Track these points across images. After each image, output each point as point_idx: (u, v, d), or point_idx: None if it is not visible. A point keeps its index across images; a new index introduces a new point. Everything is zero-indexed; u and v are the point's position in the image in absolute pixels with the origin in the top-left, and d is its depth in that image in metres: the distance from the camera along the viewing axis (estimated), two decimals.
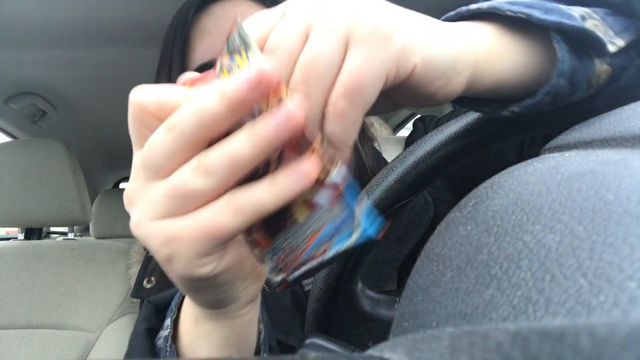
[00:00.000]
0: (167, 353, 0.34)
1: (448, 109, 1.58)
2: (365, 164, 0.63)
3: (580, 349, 0.09)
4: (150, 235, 0.23)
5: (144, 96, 0.23)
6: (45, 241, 1.59)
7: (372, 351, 0.13)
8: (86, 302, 1.12)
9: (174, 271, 0.24)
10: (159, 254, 0.23)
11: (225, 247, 0.24)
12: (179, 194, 0.22)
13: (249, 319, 0.32)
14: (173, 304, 0.38)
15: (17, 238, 1.88)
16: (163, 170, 0.22)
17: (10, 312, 1.08)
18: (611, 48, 0.29)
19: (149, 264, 0.71)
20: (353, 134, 0.23)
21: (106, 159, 2.16)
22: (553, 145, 0.28)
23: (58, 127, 1.57)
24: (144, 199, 0.23)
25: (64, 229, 3.07)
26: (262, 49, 0.23)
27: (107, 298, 1.13)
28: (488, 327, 0.15)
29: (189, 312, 0.34)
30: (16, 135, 1.57)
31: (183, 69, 0.59)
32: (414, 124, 0.72)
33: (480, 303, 0.16)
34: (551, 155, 0.24)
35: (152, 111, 0.23)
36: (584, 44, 0.29)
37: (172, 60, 0.59)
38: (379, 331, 0.42)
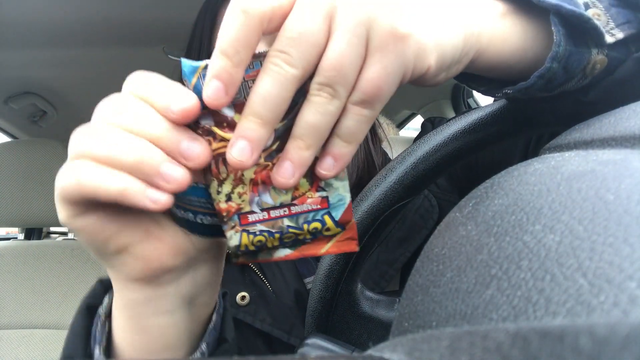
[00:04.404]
0: (97, 326, 0.33)
1: (450, 112, 1.58)
2: (374, 161, 0.64)
3: (580, 349, 0.09)
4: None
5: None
6: (45, 241, 1.59)
7: (372, 351, 0.13)
8: None
9: None
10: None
11: (90, 208, 0.25)
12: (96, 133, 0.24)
13: (145, 298, 0.30)
14: None
15: (17, 238, 1.88)
16: None
17: (10, 312, 1.08)
18: (609, 39, 0.29)
19: None
20: (366, 132, 0.25)
21: None
22: (553, 145, 0.28)
23: (58, 127, 1.57)
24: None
25: (64, 229, 3.06)
26: (266, 31, 0.23)
27: None
28: (488, 327, 0.15)
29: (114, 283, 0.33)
30: (16, 135, 1.57)
31: (210, 44, 0.61)
32: (422, 125, 0.72)
33: (480, 303, 0.16)
34: (551, 155, 0.24)
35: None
36: (582, 31, 0.29)
37: (202, 38, 0.61)
38: (379, 331, 0.42)
